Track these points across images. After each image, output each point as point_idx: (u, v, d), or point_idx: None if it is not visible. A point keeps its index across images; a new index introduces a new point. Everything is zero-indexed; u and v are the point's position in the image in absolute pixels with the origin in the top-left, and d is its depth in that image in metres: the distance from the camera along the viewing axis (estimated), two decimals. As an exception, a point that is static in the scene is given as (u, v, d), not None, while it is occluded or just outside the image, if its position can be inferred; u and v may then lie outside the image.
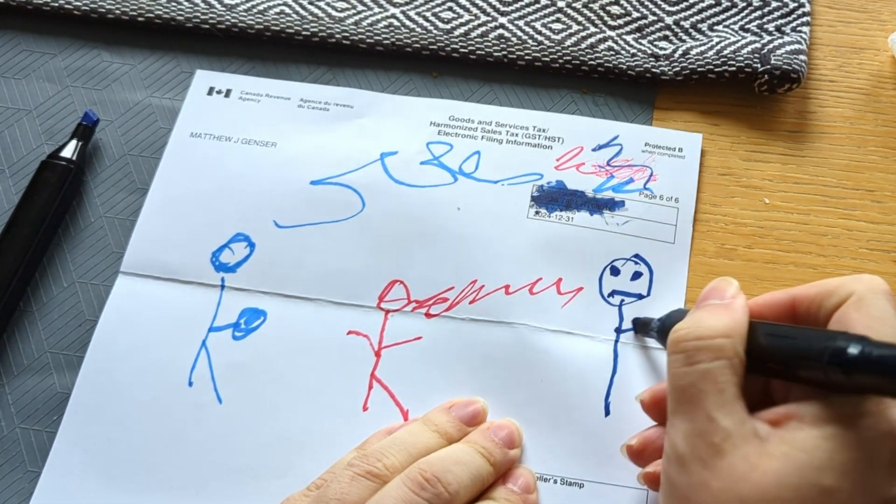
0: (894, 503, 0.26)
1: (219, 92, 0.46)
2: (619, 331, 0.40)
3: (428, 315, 0.41)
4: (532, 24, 0.48)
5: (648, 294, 0.41)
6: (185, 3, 0.48)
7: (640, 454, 0.34)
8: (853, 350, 0.25)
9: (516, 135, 0.45)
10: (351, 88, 0.46)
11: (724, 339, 0.28)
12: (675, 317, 0.34)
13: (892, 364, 0.24)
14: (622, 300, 0.40)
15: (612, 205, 0.43)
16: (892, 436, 0.26)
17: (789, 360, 0.28)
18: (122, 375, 0.39)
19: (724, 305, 0.30)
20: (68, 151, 0.44)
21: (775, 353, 0.28)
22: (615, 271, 0.41)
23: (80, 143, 0.44)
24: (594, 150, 0.44)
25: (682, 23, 0.47)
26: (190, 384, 0.39)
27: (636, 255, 0.41)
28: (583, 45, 0.47)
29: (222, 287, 0.41)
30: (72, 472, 0.38)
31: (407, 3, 0.48)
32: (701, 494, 0.26)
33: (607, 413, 0.38)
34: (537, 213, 0.43)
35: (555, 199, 0.43)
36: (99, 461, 0.38)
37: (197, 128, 0.45)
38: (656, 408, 0.34)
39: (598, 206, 0.43)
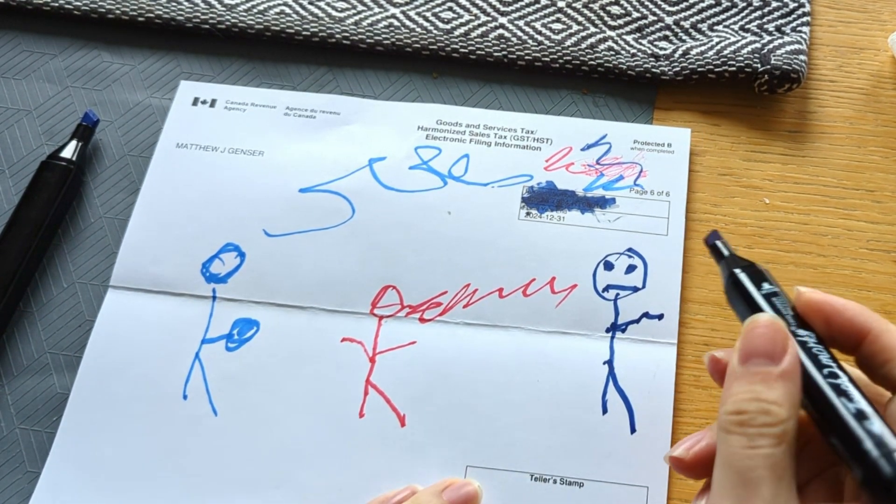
0: None
1: (203, 102, 0.46)
2: (614, 327, 0.40)
3: (422, 320, 0.41)
4: (532, 24, 0.48)
5: (644, 286, 0.41)
6: (185, 3, 0.48)
7: (693, 468, 0.32)
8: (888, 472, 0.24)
9: (504, 137, 0.45)
10: (337, 95, 0.46)
11: (788, 422, 0.26)
12: (744, 282, 0.31)
13: None
14: (617, 294, 0.40)
15: (603, 202, 0.43)
16: None
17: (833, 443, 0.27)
18: (116, 390, 0.39)
19: (781, 375, 0.27)
20: (68, 152, 0.44)
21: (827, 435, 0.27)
22: (609, 266, 0.41)
23: (80, 144, 0.44)
24: (583, 149, 0.44)
25: (682, 23, 0.47)
26: (184, 397, 0.39)
27: (629, 249, 0.41)
28: (583, 46, 0.47)
29: (214, 298, 0.41)
30: (67, 488, 0.37)
31: (407, 3, 0.48)
32: None
33: (605, 411, 0.38)
34: (528, 214, 0.43)
35: (545, 199, 0.43)
36: (94, 476, 0.38)
37: (183, 138, 0.45)
38: (698, 468, 0.31)
39: (588, 204, 0.43)
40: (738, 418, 0.27)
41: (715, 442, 0.30)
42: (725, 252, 0.33)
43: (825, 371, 0.28)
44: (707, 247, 0.34)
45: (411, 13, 0.48)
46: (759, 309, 0.30)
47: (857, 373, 0.30)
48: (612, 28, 0.47)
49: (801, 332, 0.29)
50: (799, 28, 0.47)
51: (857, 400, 0.27)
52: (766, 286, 0.30)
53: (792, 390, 0.27)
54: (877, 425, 0.26)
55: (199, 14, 0.48)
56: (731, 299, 0.32)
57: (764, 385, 0.27)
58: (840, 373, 0.28)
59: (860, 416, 0.26)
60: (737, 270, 0.31)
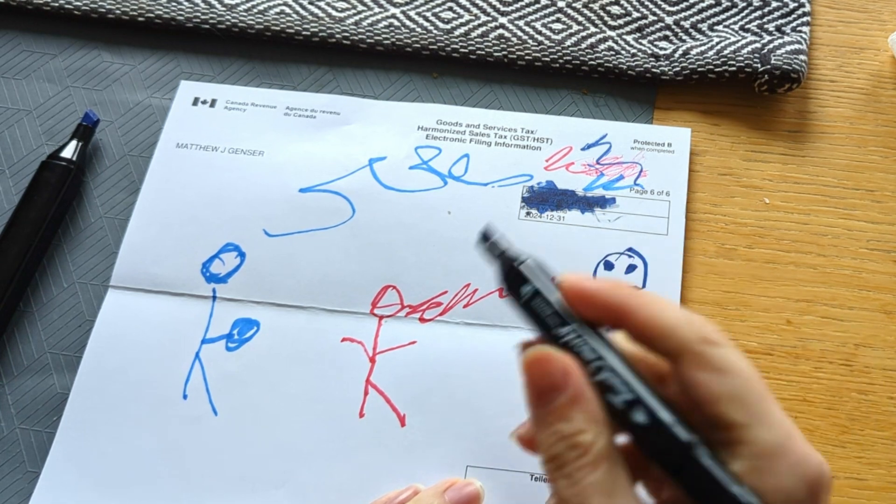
0: None
1: (204, 102, 0.46)
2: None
3: (422, 320, 0.41)
4: (532, 24, 0.48)
5: (644, 285, 0.41)
6: (185, 3, 0.48)
7: (532, 444, 0.31)
8: None
9: (504, 137, 0.45)
10: (337, 95, 0.46)
11: (598, 442, 0.26)
12: (514, 275, 0.29)
13: None
14: None
15: (603, 202, 0.43)
16: None
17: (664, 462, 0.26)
18: (116, 390, 0.39)
19: (572, 400, 0.26)
20: (68, 152, 0.44)
21: (652, 452, 0.26)
22: (609, 266, 0.41)
23: (80, 144, 0.44)
24: (583, 149, 0.44)
25: (682, 23, 0.47)
26: (185, 397, 0.39)
27: (630, 249, 0.41)
28: (583, 45, 0.47)
29: (214, 298, 0.41)
30: (67, 488, 0.38)
31: (407, 3, 0.48)
32: None
33: None
34: (528, 213, 0.43)
35: (545, 199, 0.43)
36: (94, 476, 0.38)
37: (183, 138, 0.45)
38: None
39: (589, 204, 0.43)
40: (555, 464, 0.26)
41: None
42: (496, 251, 0.31)
43: (592, 367, 0.27)
44: (484, 247, 0.31)
45: (411, 13, 0.48)
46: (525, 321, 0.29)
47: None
48: (612, 28, 0.47)
49: (562, 330, 0.28)
50: (799, 28, 0.47)
51: (621, 392, 0.26)
52: (525, 290, 0.29)
53: (589, 409, 0.26)
54: (642, 412, 0.26)
55: (199, 14, 0.48)
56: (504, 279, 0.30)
57: (561, 421, 0.27)
58: (605, 363, 0.27)
59: (631, 406, 0.26)
60: (504, 281, 0.30)
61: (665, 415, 0.26)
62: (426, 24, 0.48)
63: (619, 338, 0.28)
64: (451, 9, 0.48)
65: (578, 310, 0.28)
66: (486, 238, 0.31)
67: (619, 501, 0.25)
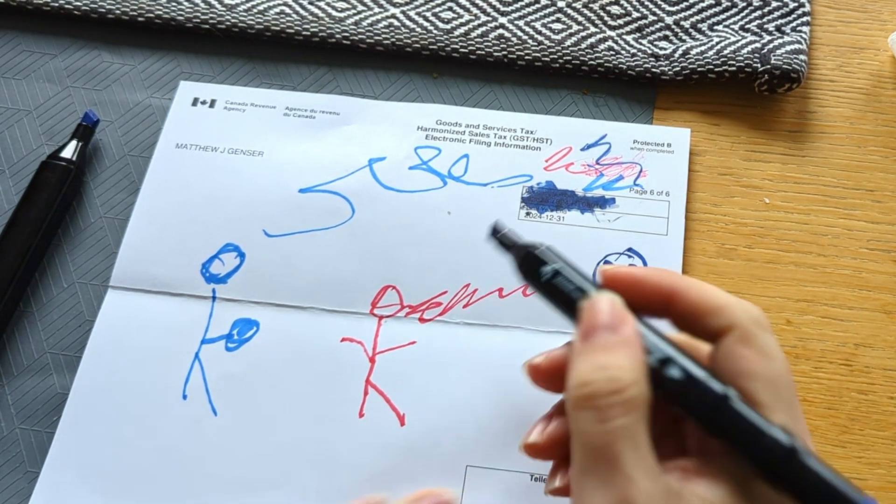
0: None
1: (203, 102, 0.46)
2: None
3: (422, 320, 0.41)
4: (532, 24, 0.48)
5: None
6: (185, 3, 0.48)
7: (549, 450, 0.31)
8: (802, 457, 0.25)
9: (504, 137, 0.45)
10: (336, 95, 0.46)
11: (635, 386, 0.26)
12: (532, 257, 0.30)
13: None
14: None
15: (603, 202, 0.43)
16: None
17: (701, 416, 0.27)
18: (116, 390, 0.39)
19: (623, 342, 0.27)
20: (68, 152, 0.44)
21: (687, 406, 0.27)
22: None
23: (80, 144, 0.44)
24: (583, 149, 0.44)
25: (682, 23, 0.47)
26: (184, 397, 0.39)
27: (629, 249, 0.41)
28: (583, 45, 0.47)
29: (213, 298, 0.41)
30: (67, 488, 0.37)
31: (407, 3, 0.48)
32: None
33: None
34: (528, 214, 0.43)
35: (545, 199, 0.43)
36: (94, 477, 0.38)
37: (182, 139, 0.45)
38: (554, 449, 0.31)
39: (588, 204, 0.43)
40: (585, 391, 0.26)
41: (565, 421, 0.30)
42: (514, 241, 0.31)
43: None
44: (496, 240, 0.32)
45: (411, 13, 0.48)
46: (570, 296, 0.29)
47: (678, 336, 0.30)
48: (612, 28, 0.47)
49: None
50: (799, 28, 0.47)
51: (655, 351, 0.27)
52: (545, 270, 0.30)
53: (636, 355, 0.27)
54: (677, 367, 0.27)
55: (199, 14, 0.48)
56: (540, 290, 0.30)
57: (606, 353, 0.27)
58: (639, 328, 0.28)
59: (665, 363, 0.27)
60: (548, 269, 0.30)
61: (698, 370, 0.27)
62: (426, 24, 0.48)
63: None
64: (451, 9, 0.48)
65: (624, 298, 0.29)
66: (496, 232, 0.32)
67: (642, 454, 0.25)
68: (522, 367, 0.32)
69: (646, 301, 0.29)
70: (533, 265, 0.30)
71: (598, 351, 0.27)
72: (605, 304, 0.28)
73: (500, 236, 0.32)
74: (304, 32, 0.47)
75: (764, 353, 0.27)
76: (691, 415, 0.27)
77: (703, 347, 0.30)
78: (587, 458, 0.26)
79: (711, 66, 0.45)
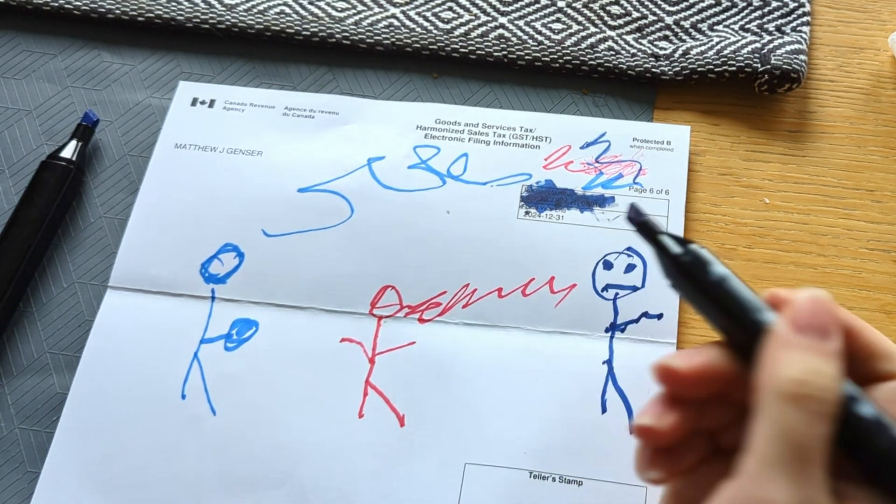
0: None
1: (202, 102, 0.46)
2: (614, 326, 0.40)
3: (421, 320, 0.41)
4: (532, 24, 0.48)
5: (643, 285, 0.41)
6: (185, 3, 0.48)
7: (696, 383, 0.29)
8: None
9: (503, 136, 0.45)
10: (335, 95, 0.46)
11: (833, 400, 0.26)
12: (699, 257, 0.28)
13: None
14: (616, 293, 0.40)
15: (602, 201, 0.43)
16: None
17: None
18: (114, 390, 0.39)
19: (833, 353, 0.26)
20: (68, 152, 0.44)
21: (870, 446, 0.26)
22: (608, 265, 0.41)
23: (79, 144, 0.44)
24: (582, 148, 0.44)
25: (682, 23, 0.47)
26: (183, 397, 0.39)
27: (629, 248, 0.41)
28: (583, 45, 0.47)
29: (212, 298, 0.41)
30: (66, 489, 0.37)
31: (407, 3, 0.48)
32: None
33: (604, 410, 0.38)
34: (527, 213, 0.43)
35: (544, 198, 0.43)
36: (93, 477, 0.38)
37: (181, 139, 0.45)
38: (696, 384, 0.29)
39: (588, 203, 0.43)
40: (801, 391, 0.26)
41: (717, 361, 0.29)
42: (653, 230, 0.29)
43: None
44: (635, 224, 0.29)
45: (411, 13, 0.48)
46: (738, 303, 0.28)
47: None
48: (612, 28, 0.47)
49: (767, 315, 0.28)
50: (799, 28, 0.47)
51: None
52: (716, 270, 0.28)
53: (840, 371, 0.26)
54: (867, 405, 0.26)
55: (199, 14, 0.48)
56: (700, 287, 0.28)
57: (820, 357, 0.26)
58: None
59: (851, 400, 0.26)
60: (720, 272, 0.28)
61: (884, 414, 0.26)
62: (426, 24, 0.48)
63: None
64: (450, 9, 0.48)
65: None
66: (636, 216, 0.29)
67: (825, 470, 0.25)
68: (652, 369, 0.29)
69: None
70: (699, 264, 0.28)
71: (814, 352, 0.27)
72: (824, 305, 0.27)
73: (641, 222, 0.29)
74: (304, 32, 0.47)
75: None
76: (870, 457, 0.26)
77: None
78: (786, 452, 0.25)
79: (711, 66, 0.45)
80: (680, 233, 0.42)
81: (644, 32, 0.47)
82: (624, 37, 0.47)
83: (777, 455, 0.25)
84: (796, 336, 0.27)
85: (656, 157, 0.44)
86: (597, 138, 0.44)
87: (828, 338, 0.27)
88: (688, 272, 0.28)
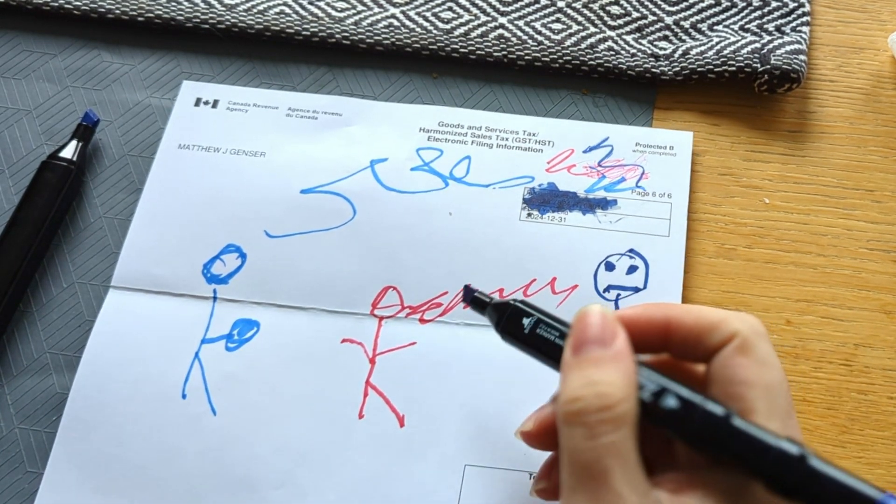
0: None
1: (206, 103, 0.46)
2: None
3: (422, 321, 0.41)
4: (532, 24, 0.48)
5: (645, 287, 0.41)
6: (185, 3, 0.48)
7: (539, 438, 0.32)
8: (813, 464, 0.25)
9: (506, 139, 0.45)
10: (339, 96, 0.46)
11: (626, 404, 0.26)
12: (512, 313, 0.31)
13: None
14: (618, 294, 0.40)
15: (605, 204, 0.43)
16: None
17: (700, 440, 0.27)
18: (115, 390, 0.39)
19: (613, 357, 0.27)
20: (68, 152, 0.44)
21: (681, 428, 0.27)
22: (610, 267, 0.41)
23: (80, 144, 0.44)
24: (585, 151, 0.44)
25: (682, 23, 0.47)
26: (184, 396, 0.39)
27: (631, 250, 0.41)
28: (583, 45, 0.47)
29: (214, 299, 0.41)
30: (67, 488, 0.37)
31: (407, 3, 0.48)
32: None
33: None
34: (529, 215, 0.43)
35: (547, 200, 0.43)
36: (94, 477, 0.38)
37: (185, 139, 0.45)
38: (544, 437, 0.31)
39: (590, 205, 0.43)
40: (575, 407, 0.26)
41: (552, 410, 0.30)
42: (480, 295, 0.34)
43: None
44: (466, 299, 0.35)
45: (411, 13, 0.48)
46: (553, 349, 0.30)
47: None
48: (612, 28, 0.47)
49: None
50: (799, 28, 0.47)
51: (647, 385, 0.27)
52: (527, 321, 0.31)
53: (626, 370, 0.27)
54: (672, 396, 0.27)
55: (199, 14, 0.48)
56: (499, 329, 0.32)
57: (596, 368, 0.27)
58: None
59: (659, 395, 0.27)
60: (530, 320, 0.31)
61: (694, 396, 0.27)
62: (426, 24, 0.48)
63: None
64: (450, 9, 0.48)
65: None
66: (468, 293, 0.34)
67: (630, 470, 0.25)
68: (515, 435, 0.33)
69: (642, 338, 0.29)
70: (514, 318, 0.31)
71: (589, 365, 0.27)
72: (596, 318, 0.28)
73: (473, 298, 0.34)
74: (303, 32, 0.47)
75: (761, 361, 0.27)
76: (692, 441, 0.27)
77: (698, 371, 0.30)
78: (576, 475, 0.26)
79: (711, 66, 0.45)
80: (682, 235, 0.42)
81: (644, 32, 0.47)
82: (624, 37, 0.47)
83: (571, 479, 0.26)
84: (573, 357, 0.28)
85: (659, 162, 0.44)
86: (599, 142, 0.44)
87: (609, 344, 0.27)
88: (508, 332, 0.32)
